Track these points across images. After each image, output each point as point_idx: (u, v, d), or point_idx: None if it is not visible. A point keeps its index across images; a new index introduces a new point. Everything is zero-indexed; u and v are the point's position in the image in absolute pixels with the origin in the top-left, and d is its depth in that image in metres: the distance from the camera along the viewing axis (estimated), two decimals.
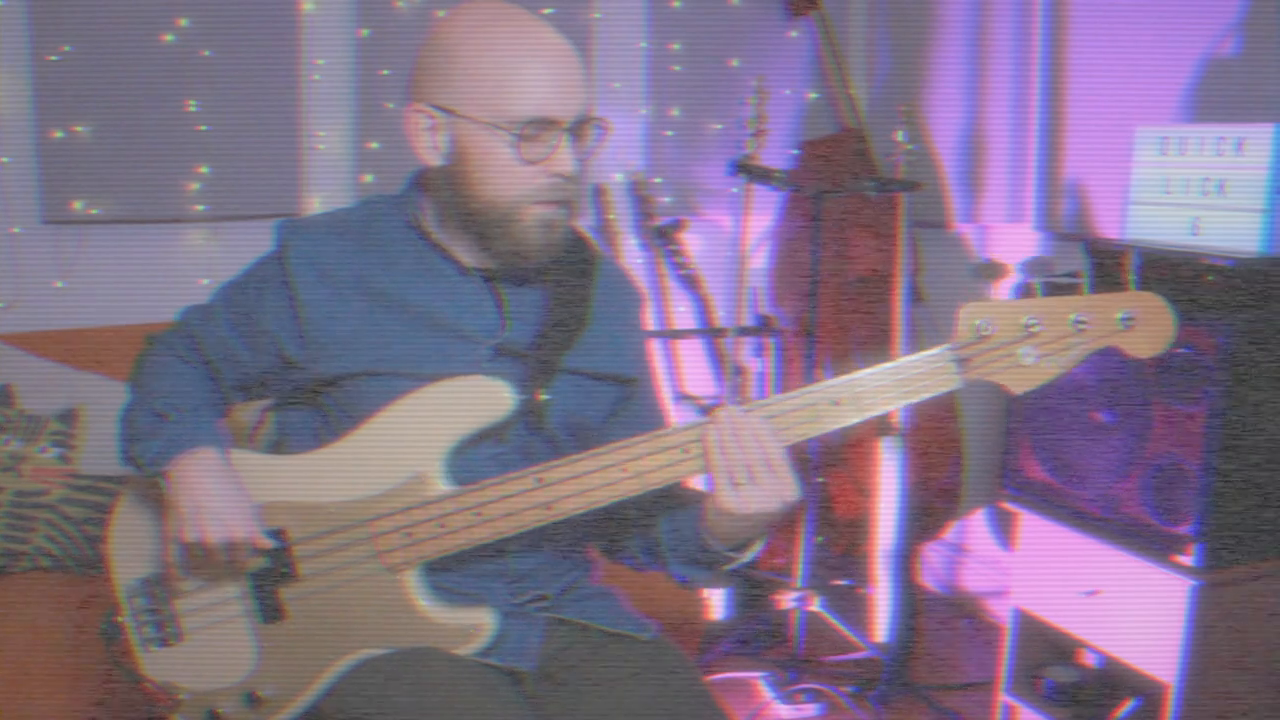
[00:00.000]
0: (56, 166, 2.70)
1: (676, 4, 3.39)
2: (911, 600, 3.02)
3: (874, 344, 3.20)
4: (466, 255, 1.53)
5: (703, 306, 3.38)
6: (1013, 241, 3.21)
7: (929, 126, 3.43)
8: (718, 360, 3.38)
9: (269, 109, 2.90)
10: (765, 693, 2.84)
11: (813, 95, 3.60)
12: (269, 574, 1.55)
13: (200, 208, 2.85)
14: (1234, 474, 2.10)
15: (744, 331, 3.35)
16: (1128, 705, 2.37)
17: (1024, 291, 2.41)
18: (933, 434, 3.22)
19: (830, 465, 3.22)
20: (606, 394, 1.61)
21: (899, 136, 2.86)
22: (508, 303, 1.55)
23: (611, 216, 3.27)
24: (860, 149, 3.41)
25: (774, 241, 3.52)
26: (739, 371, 3.35)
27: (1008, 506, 2.51)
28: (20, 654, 2.07)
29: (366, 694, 1.48)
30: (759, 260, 3.55)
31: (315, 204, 3.01)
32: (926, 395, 1.39)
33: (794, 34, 3.55)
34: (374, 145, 3.03)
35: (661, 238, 3.36)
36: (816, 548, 2.99)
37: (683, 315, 3.42)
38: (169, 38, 2.75)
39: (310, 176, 3.00)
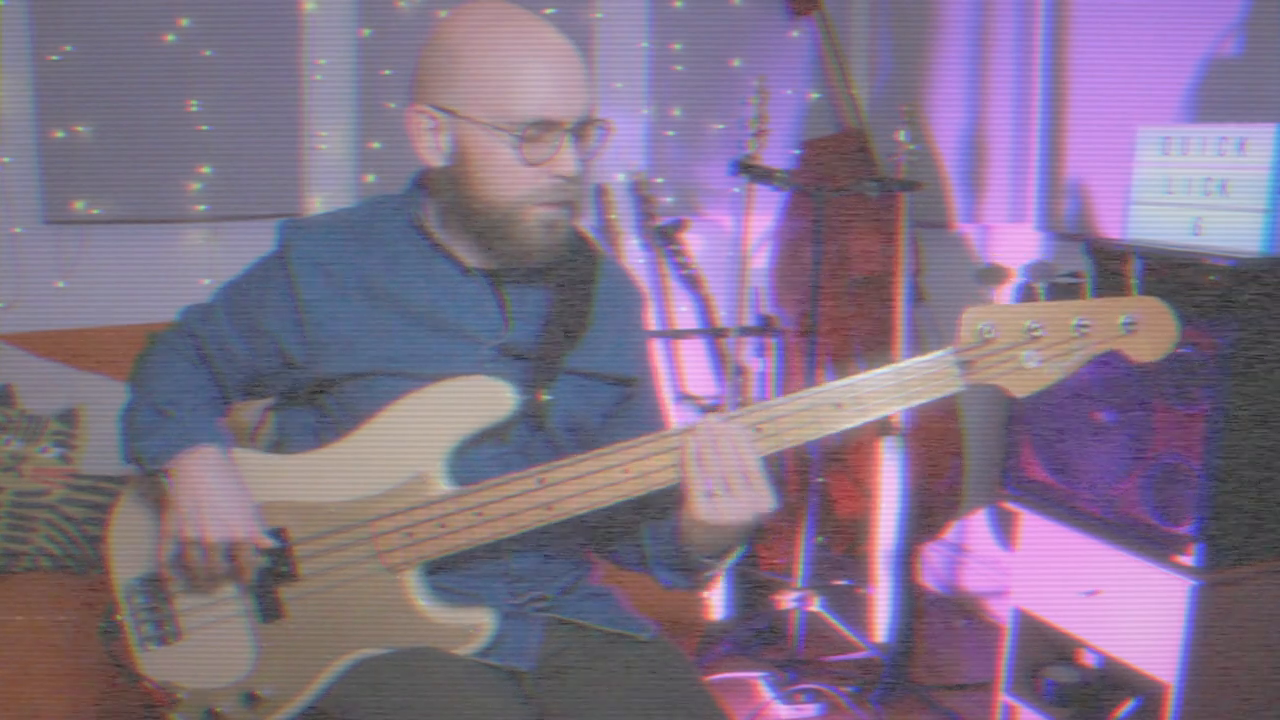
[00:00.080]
0: (57, 166, 2.70)
1: (678, 4, 3.39)
2: (911, 600, 3.02)
3: (875, 344, 3.20)
4: (469, 256, 1.53)
5: (704, 306, 3.39)
6: (1014, 242, 3.21)
7: (930, 126, 3.43)
8: (719, 360, 3.38)
9: (270, 109, 2.90)
10: (765, 693, 2.84)
11: (814, 95, 3.60)
12: (269, 573, 1.55)
13: (201, 208, 2.85)
14: (1234, 474, 2.10)
15: (745, 331, 3.35)
16: (1128, 705, 2.37)
17: (1026, 295, 2.41)
18: (933, 434, 3.22)
19: (831, 465, 3.22)
20: (607, 394, 1.61)
21: (900, 136, 2.86)
22: (510, 303, 1.55)
23: (613, 216, 3.27)
24: (862, 149, 3.40)
25: (775, 241, 3.52)
26: (740, 371, 3.35)
27: (1008, 506, 2.52)
28: (20, 654, 2.07)
29: (365, 694, 1.48)
30: (760, 260, 3.55)
31: (316, 204, 3.01)
32: (928, 398, 1.40)
33: (795, 34, 3.55)
34: (375, 145, 3.03)
35: (663, 238, 3.36)
36: (816, 548, 2.99)
37: (684, 315, 3.42)
38: (170, 37, 2.75)
39: (311, 176, 3.00)
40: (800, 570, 2.87)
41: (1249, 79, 2.52)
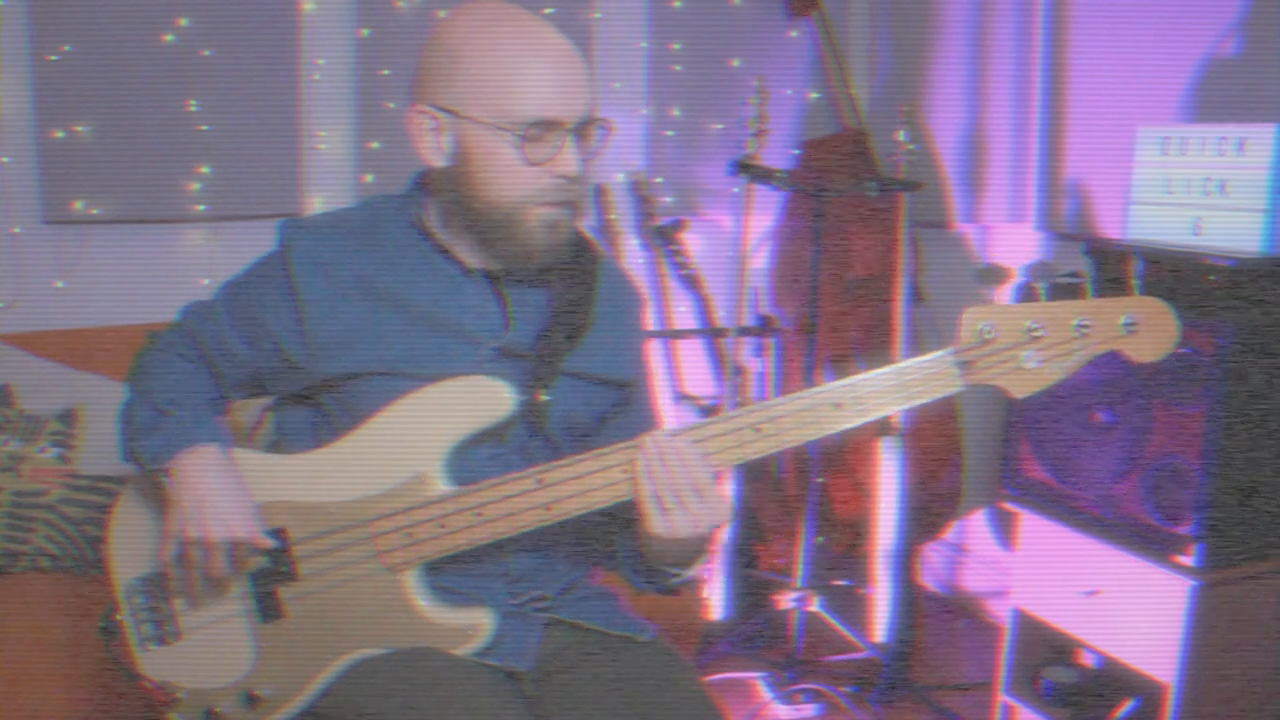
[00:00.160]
0: (57, 166, 2.70)
1: (677, 4, 3.39)
2: (911, 600, 3.02)
3: (875, 344, 3.20)
4: (470, 256, 1.53)
5: (703, 306, 3.39)
6: (1014, 242, 3.21)
7: (930, 126, 3.43)
8: (718, 360, 3.38)
9: (270, 109, 2.90)
10: (764, 693, 2.84)
11: (814, 95, 3.60)
12: (268, 573, 1.55)
13: (201, 208, 2.85)
14: (1234, 474, 2.10)
15: (745, 331, 3.35)
16: (1127, 705, 2.37)
17: (1027, 295, 2.41)
18: (933, 434, 3.22)
19: (831, 465, 3.22)
20: (605, 397, 1.61)
21: (900, 136, 2.86)
22: (511, 304, 1.55)
23: (613, 216, 3.27)
24: (861, 149, 3.40)
25: (775, 241, 3.52)
26: (739, 371, 3.35)
27: (1008, 506, 2.51)
28: (20, 654, 2.07)
29: (364, 694, 1.48)
30: (760, 260, 3.55)
31: (316, 204, 3.01)
32: (928, 398, 1.40)
33: (795, 34, 3.55)
34: (375, 145, 3.03)
35: (662, 238, 3.36)
36: (816, 548, 2.99)
37: (683, 315, 3.42)
38: (169, 37, 2.75)
39: (311, 176, 3.00)
40: (800, 570, 2.87)
41: (1249, 79, 2.52)
